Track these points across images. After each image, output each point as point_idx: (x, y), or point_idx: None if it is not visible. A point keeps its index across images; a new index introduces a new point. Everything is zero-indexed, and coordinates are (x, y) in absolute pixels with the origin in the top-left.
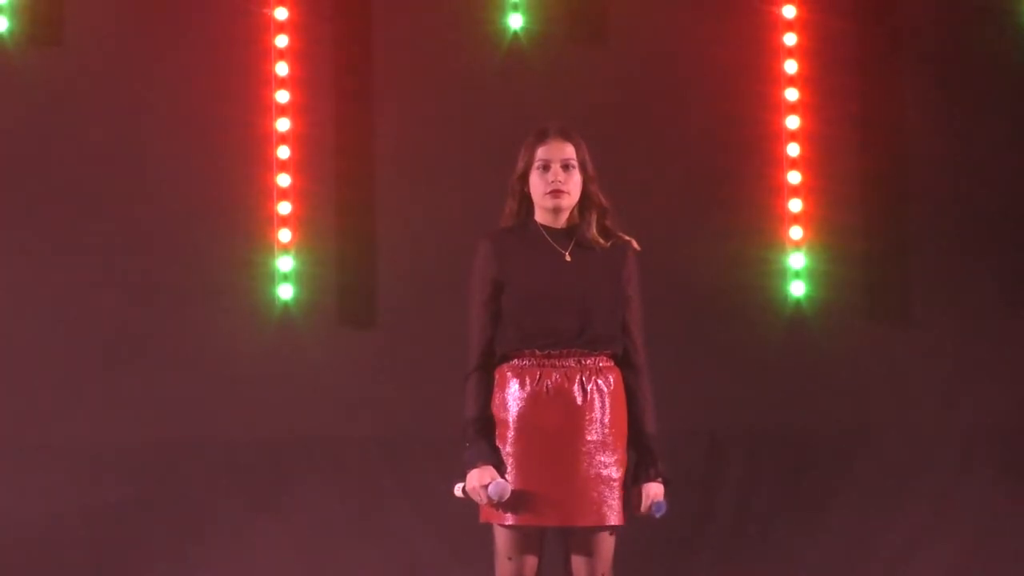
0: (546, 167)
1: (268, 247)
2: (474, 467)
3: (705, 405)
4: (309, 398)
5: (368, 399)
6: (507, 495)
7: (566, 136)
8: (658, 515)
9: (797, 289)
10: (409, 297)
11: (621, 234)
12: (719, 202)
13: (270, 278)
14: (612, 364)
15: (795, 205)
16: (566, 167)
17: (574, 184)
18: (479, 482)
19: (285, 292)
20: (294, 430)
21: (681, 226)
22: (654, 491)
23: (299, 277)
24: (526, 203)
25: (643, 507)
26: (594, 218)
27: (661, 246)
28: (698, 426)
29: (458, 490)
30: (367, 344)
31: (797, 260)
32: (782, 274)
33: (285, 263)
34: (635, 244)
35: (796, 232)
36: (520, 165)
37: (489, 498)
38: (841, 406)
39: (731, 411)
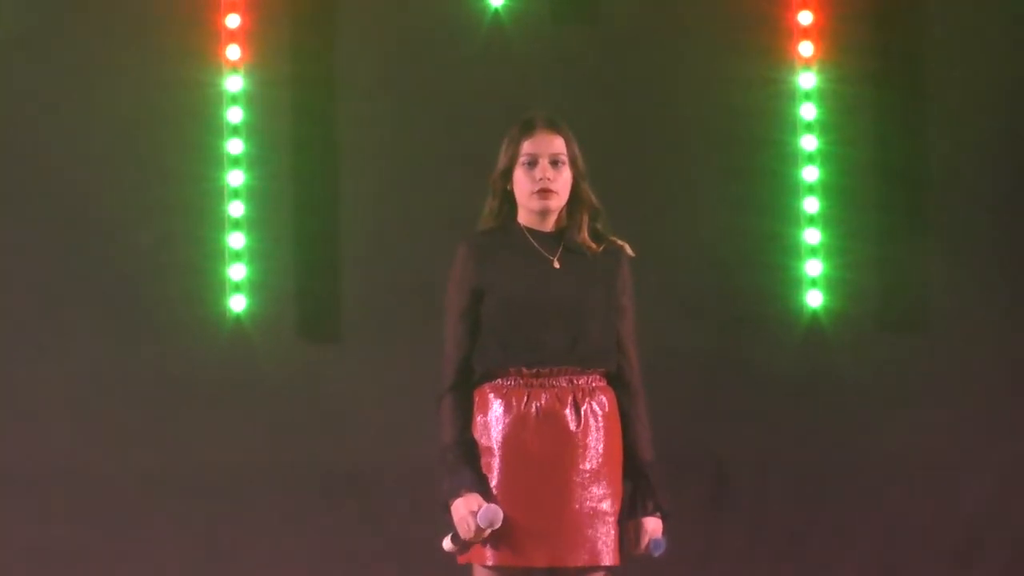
0: (533, 163)
1: (218, 253)
2: (457, 496)
3: (711, 428)
4: (264, 422)
5: (332, 423)
6: (499, 522)
7: (555, 128)
8: (656, 554)
9: (814, 299)
10: (378, 308)
11: (614, 238)
12: (725, 202)
13: (220, 288)
14: (605, 384)
15: (811, 205)
16: (555, 163)
17: (563, 182)
18: (466, 509)
19: (237, 303)
20: (248, 458)
21: (682, 229)
22: (652, 526)
23: (253, 286)
24: (509, 203)
25: (640, 545)
26: (585, 220)
27: (660, 251)
28: (703, 452)
29: (447, 543)
30: (330, 361)
31: (814, 267)
32: (797, 283)
33: (237, 271)
34: (629, 249)
35: (813, 235)
36: (503, 160)
37: (479, 528)
38: (863, 429)
39: (740, 435)
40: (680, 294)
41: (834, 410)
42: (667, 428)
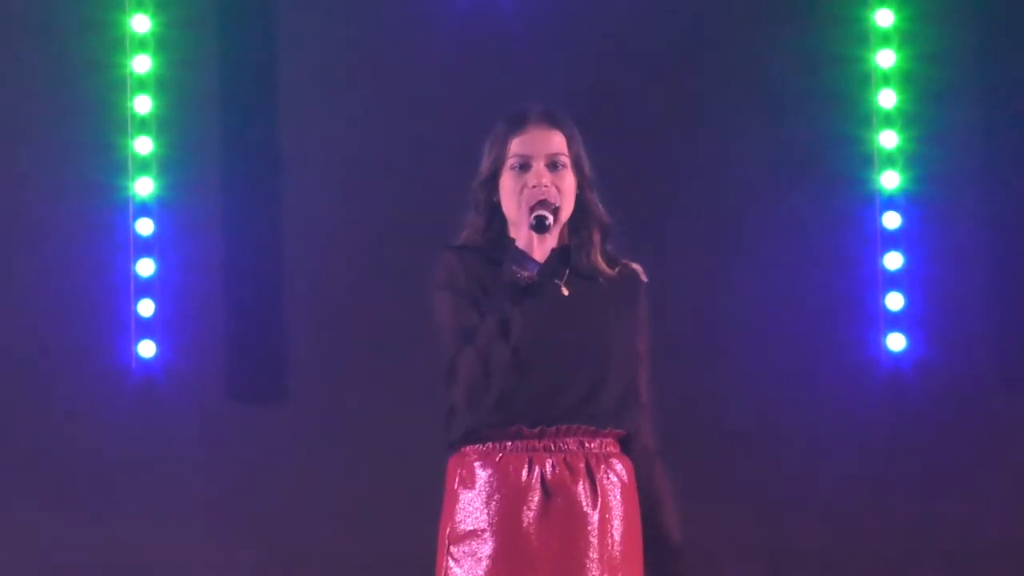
0: (525, 165)
1: (121, 284)
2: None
3: (760, 511)
4: (183, 503)
5: (271, 503)
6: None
7: (553, 122)
8: None
9: (895, 343)
10: (330, 359)
11: (626, 260)
12: (777, 217)
13: (123, 329)
14: (619, 449)
15: (891, 220)
16: (554, 165)
17: (566, 189)
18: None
19: (146, 349)
20: (164, 549)
21: (720, 252)
22: None
23: (167, 328)
24: (498, 219)
25: None
26: (597, 239)
27: (691, 280)
28: (751, 541)
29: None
30: (270, 426)
31: (895, 301)
32: (872, 321)
33: (145, 307)
34: (642, 273)
35: (893, 260)
36: (486, 165)
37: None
38: (957, 514)
39: (797, 518)
40: (717, 336)
41: (918, 490)
42: (704, 508)
